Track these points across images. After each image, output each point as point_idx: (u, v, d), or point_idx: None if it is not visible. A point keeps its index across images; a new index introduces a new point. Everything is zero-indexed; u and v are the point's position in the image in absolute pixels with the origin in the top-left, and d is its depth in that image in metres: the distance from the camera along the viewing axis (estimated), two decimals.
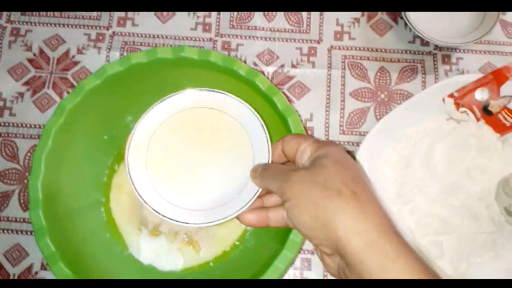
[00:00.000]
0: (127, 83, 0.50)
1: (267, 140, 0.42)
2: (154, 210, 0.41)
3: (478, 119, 0.53)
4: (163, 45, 0.59)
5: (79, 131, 0.49)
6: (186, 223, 0.40)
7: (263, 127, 0.42)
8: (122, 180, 0.54)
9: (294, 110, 0.47)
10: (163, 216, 0.41)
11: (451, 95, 0.53)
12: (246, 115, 0.44)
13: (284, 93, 0.57)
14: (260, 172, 0.40)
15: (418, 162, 0.53)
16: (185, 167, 0.44)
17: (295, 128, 0.46)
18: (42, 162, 0.45)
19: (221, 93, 0.45)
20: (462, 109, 0.53)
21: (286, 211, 0.36)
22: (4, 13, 0.60)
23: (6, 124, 0.57)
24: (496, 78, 0.53)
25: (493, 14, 0.56)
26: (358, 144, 0.56)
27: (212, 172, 0.44)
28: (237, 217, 0.40)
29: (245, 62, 0.58)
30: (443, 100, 0.54)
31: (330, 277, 0.51)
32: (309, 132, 0.56)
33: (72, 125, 0.47)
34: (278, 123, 0.48)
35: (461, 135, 0.54)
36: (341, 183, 0.33)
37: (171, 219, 0.40)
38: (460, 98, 0.53)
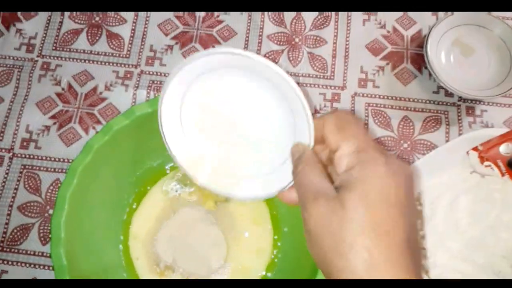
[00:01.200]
0: (155, 125, 0.50)
1: (308, 120, 0.32)
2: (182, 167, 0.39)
3: (503, 174, 0.53)
4: None
5: (104, 170, 0.49)
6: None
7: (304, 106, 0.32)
8: (140, 219, 0.54)
9: None
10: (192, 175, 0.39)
11: (475, 148, 0.53)
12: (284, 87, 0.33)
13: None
14: (293, 172, 0.33)
15: (441, 216, 0.52)
16: (222, 128, 0.39)
17: None
18: (66, 201, 0.45)
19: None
20: (486, 163, 0.53)
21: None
22: (36, 47, 0.62)
23: (31, 156, 0.57)
24: None
25: None
26: None
27: (251, 137, 0.38)
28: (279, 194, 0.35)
29: None
30: (467, 153, 0.53)
31: None
32: None
33: (98, 164, 0.48)
34: None
35: (485, 190, 0.53)
36: (358, 233, 0.27)
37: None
38: (485, 151, 0.53)
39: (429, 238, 0.51)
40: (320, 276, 0.43)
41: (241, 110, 0.37)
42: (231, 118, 0.38)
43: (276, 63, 0.61)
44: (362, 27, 0.63)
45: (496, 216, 0.52)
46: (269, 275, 0.51)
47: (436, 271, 0.50)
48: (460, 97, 0.59)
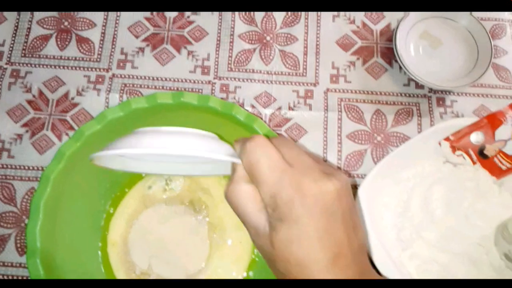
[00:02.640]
0: (127, 128, 0.49)
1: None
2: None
3: (474, 163, 0.54)
4: (162, 87, 0.60)
5: (78, 177, 0.49)
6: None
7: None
8: (116, 223, 0.54)
9: None
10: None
11: (447, 139, 0.54)
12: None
13: (282, 135, 0.58)
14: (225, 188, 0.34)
15: (417, 207, 0.53)
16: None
17: None
18: (40, 209, 0.45)
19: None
20: (458, 152, 0.54)
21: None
22: (5, 55, 0.61)
23: (4, 166, 0.56)
24: (491, 122, 0.54)
25: (486, 58, 0.58)
26: (356, 186, 0.56)
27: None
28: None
29: (242, 104, 0.59)
30: (440, 143, 0.54)
31: None
32: None
33: (71, 171, 0.47)
34: None
35: (458, 179, 0.54)
36: (285, 267, 0.30)
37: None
38: (456, 141, 0.54)
39: (407, 230, 0.52)
40: None
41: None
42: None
43: (248, 62, 0.61)
44: (332, 23, 0.63)
45: (470, 204, 0.53)
46: (251, 274, 0.51)
47: (415, 262, 0.51)
48: (430, 88, 0.60)
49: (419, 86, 0.60)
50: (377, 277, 0.34)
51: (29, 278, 0.52)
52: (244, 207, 0.32)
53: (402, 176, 0.55)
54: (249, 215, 0.32)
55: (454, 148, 0.54)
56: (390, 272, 0.49)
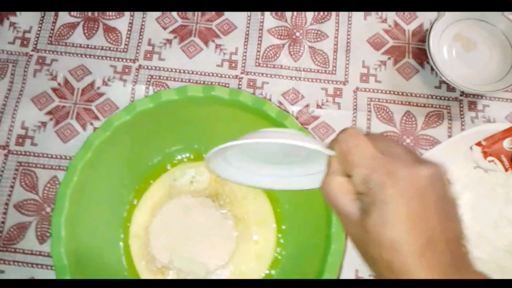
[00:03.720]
0: (155, 120, 0.49)
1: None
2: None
3: (506, 169, 0.53)
4: (189, 80, 0.59)
5: (104, 167, 0.48)
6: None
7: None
8: (139, 215, 0.53)
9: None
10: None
11: (479, 144, 0.53)
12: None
13: (308, 131, 0.57)
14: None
15: None
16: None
17: None
18: (66, 198, 0.44)
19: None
20: (490, 158, 0.53)
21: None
22: (31, 42, 0.60)
23: (27, 153, 0.56)
24: None
25: None
26: None
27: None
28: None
29: (270, 100, 0.58)
30: (471, 148, 0.53)
31: None
32: None
33: (98, 161, 0.47)
34: None
35: (489, 185, 0.53)
36: (378, 252, 0.30)
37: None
38: (488, 147, 0.53)
39: None
40: (327, 274, 0.43)
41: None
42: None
43: (277, 57, 0.60)
44: (364, 21, 0.62)
45: (499, 210, 0.52)
46: (273, 273, 0.50)
47: None
48: (462, 92, 0.59)
49: (450, 89, 0.59)
50: (475, 275, 0.31)
51: (51, 267, 0.51)
52: (337, 197, 0.33)
53: None
54: (342, 205, 0.32)
55: (486, 154, 0.53)
56: None
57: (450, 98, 0.59)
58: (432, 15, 0.62)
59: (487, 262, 0.50)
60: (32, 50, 0.60)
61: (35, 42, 0.61)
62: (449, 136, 0.57)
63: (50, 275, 0.52)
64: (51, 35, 0.61)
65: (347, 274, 0.52)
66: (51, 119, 0.57)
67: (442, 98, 0.59)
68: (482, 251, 0.51)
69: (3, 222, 0.53)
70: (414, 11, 0.63)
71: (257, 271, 0.50)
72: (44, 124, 0.57)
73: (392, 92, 0.59)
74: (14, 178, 0.55)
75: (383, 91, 0.59)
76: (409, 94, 0.59)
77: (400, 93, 0.59)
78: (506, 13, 0.58)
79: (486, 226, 0.52)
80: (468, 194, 0.53)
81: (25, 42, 0.61)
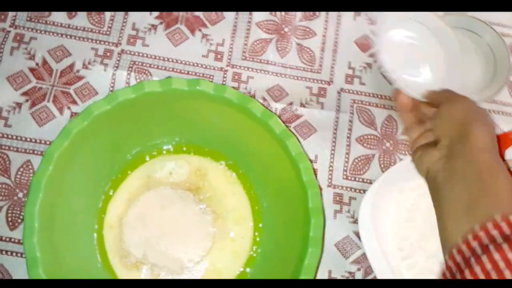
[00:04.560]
0: (137, 111, 0.48)
1: None
2: None
3: None
4: (173, 69, 0.58)
5: (82, 157, 0.47)
6: None
7: None
8: (116, 207, 0.52)
9: (307, 156, 0.47)
10: None
11: None
12: None
13: (290, 131, 0.56)
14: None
15: (420, 217, 0.53)
16: None
17: (306, 175, 0.46)
18: (41, 188, 0.43)
19: None
20: None
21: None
22: (9, 17, 0.58)
23: (0, 135, 0.54)
24: (502, 140, 0.53)
25: (502, 74, 0.57)
26: (360, 191, 0.56)
27: None
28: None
29: (254, 96, 0.58)
30: None
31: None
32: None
33: (75, 150, 0.45)
34: (288, 167, 0.47)
35: None
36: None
37: None
38: None
39: (408, 239, 0.52)
40: (304, 276, 0.43)
41: None
42: None
43: (264, 52, 0.60)
44: (353, 21, 0.62)
45: None
46: (248, 271, 0.51)
47: (412, 272, 0.51)
48: None
49: None
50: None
51: (21, 254, 0.50)
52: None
53: (407, 185, 0.54)
54: None
55: None
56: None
57: None
58: None
59: None
60: (10, 26, 0.58)
61: (13, 18, 0.58)
62: None
63: (20, 262, 0.50)
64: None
65: (320, 273, 0.53)
66: (26, 101, 0.55)
67: None
68: None
69: None
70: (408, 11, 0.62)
71: (232, 269, 0.50)
72: (19, 105, 0.55)
73: (375, 95, 0.59)
74: None
75: (367, 94, 0.59)
76: (392, 99, 0.59)
77: (384, 97, 0.59)
78: (492, 25, 0.59)
79: None
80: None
81: (2, 17, 0.58)
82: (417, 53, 0.53)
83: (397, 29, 0.52)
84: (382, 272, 0.50)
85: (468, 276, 0.30)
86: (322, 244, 0.44)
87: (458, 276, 0.31)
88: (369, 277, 0.53)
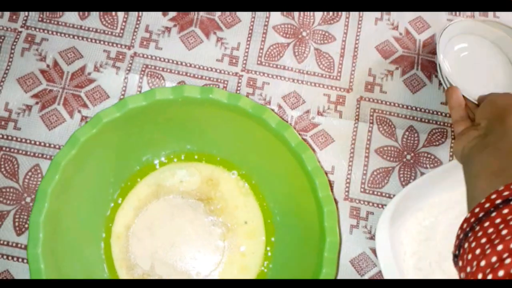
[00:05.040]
0: (147, 119, 0.46)
1: None
2: None
3: None
4: (186, 73, 0.56)
5: (90, 165, 0.45)
6: None
7: None
8: (124, 215, 0.50)
9: (323, 171, 0.44)
10: None
11: None
12: None
13: (306, 141, 0.54)
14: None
15: (440, 236, 0.50)
16: None
17: (322, 190, 0.44)
18: (47, 197, 0.41)
19: None
20: None
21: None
22: (21, 17, 0.57)
23: (9, 137, 0.53)
24: None
25: None
26: (378, 205, 0.53)
27: None
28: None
29: (269, 102, 0.55)
30: None
31: None
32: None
33: (84, 158, 0.44)
34: (304, 182, 0.45)
35: None
36: None
37: None
38: None
39: (427, 259, 0.50)
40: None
41: None
42: None
43: (280, 57, 0.57)
44: (374, 26, 0.59)
45: None
46: None
47: None
48: None
49: None
50: None
51: (26, 260, 0.49)
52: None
53: (428, 202, 0.52)
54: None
55: None
56: None
57: None
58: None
59: None
60: (21, 27, 0.57)
61: (25, 18, 0.57)
62: (451, 155, 0.55)
63: (26, 268, 0.49)
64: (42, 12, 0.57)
65: None
66: (36, 103, 0.54)
67: (448, 115, 0.56)
68: None
69: None
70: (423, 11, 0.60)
71: None
72: (29, 107, 0.54)
73: (397, 105, 0.57)
74: None
75: (388, 103, 0.57)
76: (414, 108, 0.57)
77: (405, 106, 0.57)
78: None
79: None
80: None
81: (14, 17, 0.57)
82: (479, 64, 0.57)
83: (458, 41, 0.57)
84: None
85: (486, 225, 0.31)
86: (337, 266, 0.42)
87: (477, 228, 0.32)
88: None
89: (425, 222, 0.51)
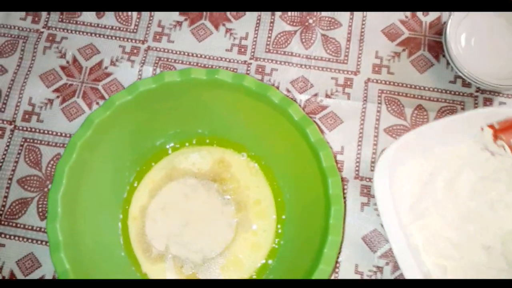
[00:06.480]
0: (158, 102, 0.49)
1: None
2: None
3: None
4: (197, 64, 0.58)
5: (105, 146, 0.48)
6: None
7: None
8: (139, 197, 0.52)
9: (327, 143, 0.45)
10: None
11: (491, 126, 0.50)
12: None
13: (316, 123, 0.55)
14: None
15: (441, 183, 0.50)
16: None
17: (326, 162, 0.45)
18: (64, 175, 0.44)
19: None
20: (499, 142, 0.51)
21: None
22: (42, 19, 0.60)
23: (33, 129, 0.56)
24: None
25: None
26: None
27: None
28: None
29: (278, 88, 0.57)
30: (482, 128, 0.51)
31: None
32: (339, 166, 0.54)
33: (98, 139, 0.46)
34: (309, 155, 0.46)
35: (493, 168, 0.51)
36: None
37: None
38: (500, 131, 0.50)
39: (424, 202, 0.49)
40: (323, 266, 0.42)
41: None
42: None
43: (288, 44, 0.59)
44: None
45: (499, 195, 0.50)
46: (270, 262, 0.49)
47: (424, 234, 0.49)
48: (478, 88, 0.57)
49: (466, 84, 0.57)
50: None
51: (47, 243, 0.51)
52: None
53: (433, 151, 0.51)
54: None
55: (496, 137, 0.51)
56: (394, 237, 0.45)
57: (465, 94, 0.57)
58: None
59: (473, 238, 0.49)
60: (43, 27, 0.60)
61: (46, 19, 0.61)
62: None
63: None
64: (62, 12, 0.61)
65: (347, 267, 0.51)
66: (58, 97, 0.57)
67: (457, 93, 0.57)
68: (471, 227, 0.49)
69: (6, 197, 0.54)
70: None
71: (254, 260, 0.49)
72: (50, 101, 0.57)
73: (404, 85, 0.57)
74: (19, 154, 0.55)
75: (396, 83, 0.57)
76: (422, 88, 0.57)
77: (413, 86, 0.57)
78: None
79: (482, 204, 0.50)
80: (470, 173, 0.50)
81: (36, 19, 0.61)
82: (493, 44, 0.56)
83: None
84: (391, 228, 0.46)
85: None
86: (342, 232, 0.42)
87: None
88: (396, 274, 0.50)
89: (428, 168, 0.51)
